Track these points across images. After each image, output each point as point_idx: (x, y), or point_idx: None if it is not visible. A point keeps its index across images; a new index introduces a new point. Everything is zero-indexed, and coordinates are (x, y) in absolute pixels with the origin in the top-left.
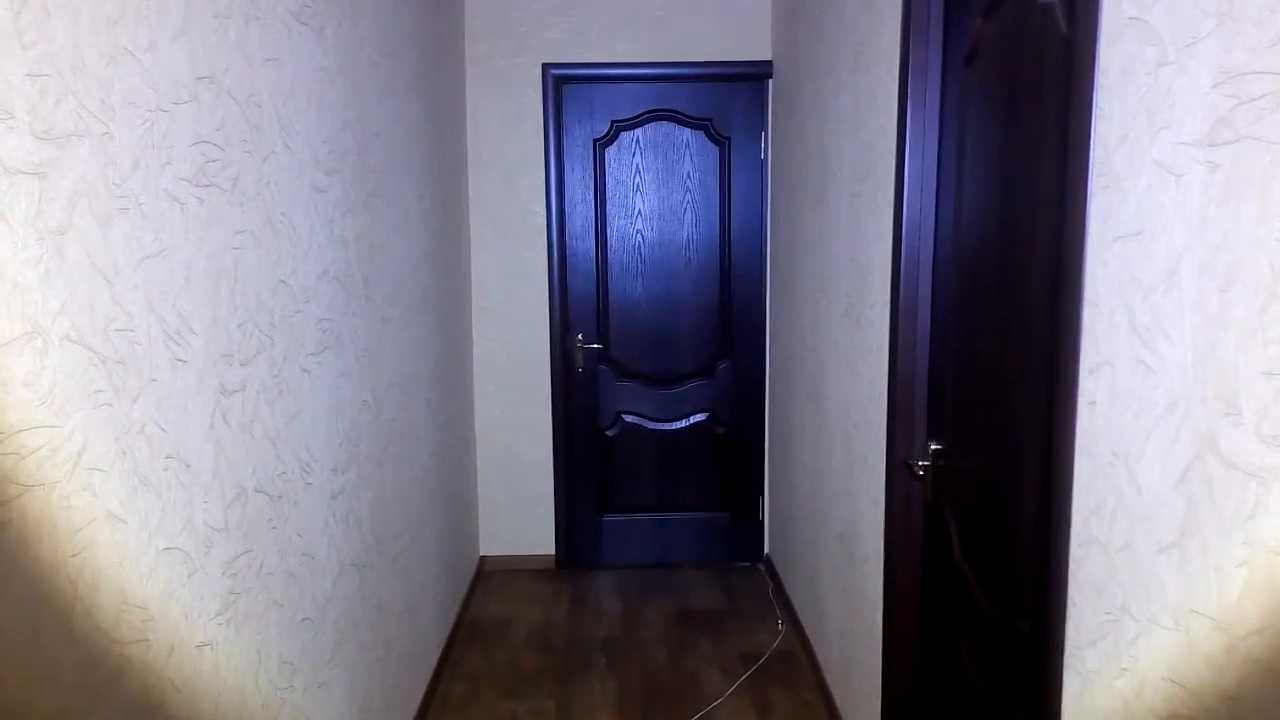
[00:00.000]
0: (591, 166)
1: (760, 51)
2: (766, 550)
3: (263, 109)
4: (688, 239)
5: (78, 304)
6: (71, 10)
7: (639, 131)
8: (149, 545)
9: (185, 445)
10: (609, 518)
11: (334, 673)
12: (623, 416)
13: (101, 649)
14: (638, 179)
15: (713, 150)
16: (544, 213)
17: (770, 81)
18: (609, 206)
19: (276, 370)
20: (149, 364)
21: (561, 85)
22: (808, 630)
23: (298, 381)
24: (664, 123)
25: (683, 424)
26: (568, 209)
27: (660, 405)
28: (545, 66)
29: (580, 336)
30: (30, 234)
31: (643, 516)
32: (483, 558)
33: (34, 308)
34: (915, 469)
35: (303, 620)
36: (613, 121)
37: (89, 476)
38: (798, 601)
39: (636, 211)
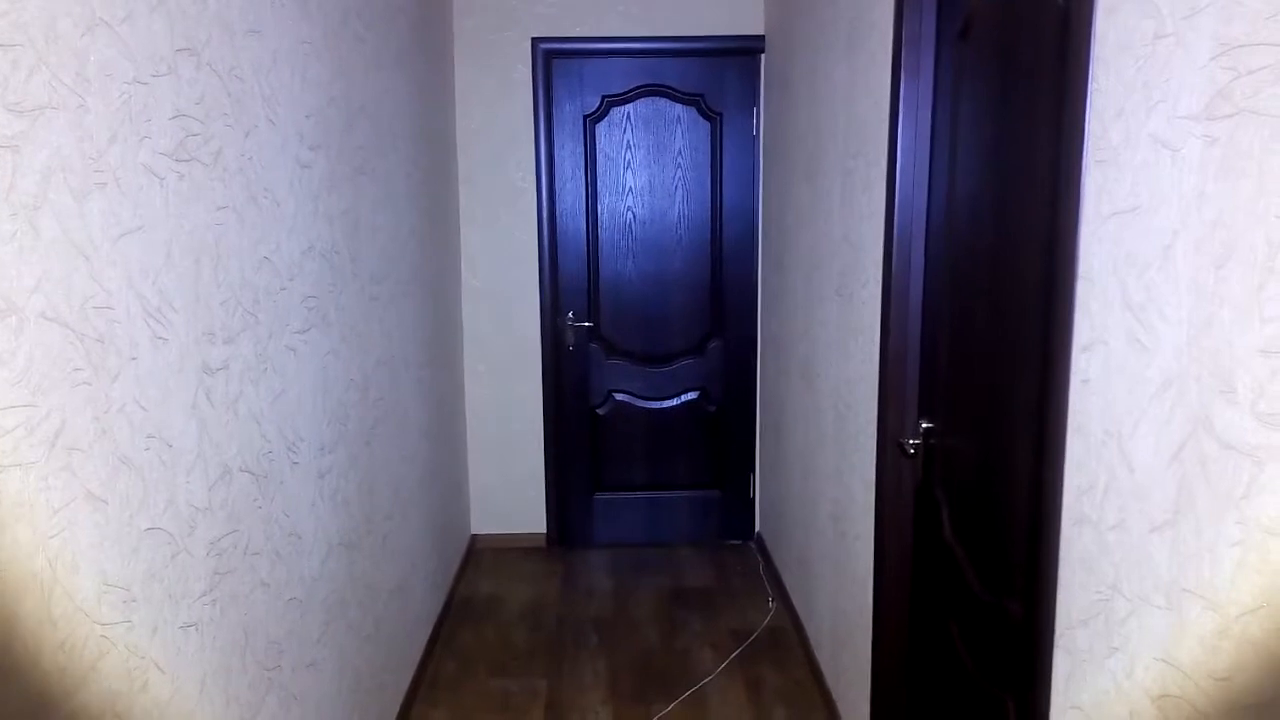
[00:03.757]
0: (582, 142)
1: (753, 25)
2: (757, 528)
3: (245, 82)
4: (679, 216)
5: (54, 281)
6: None
7: (630, 107)
8: (131, 526)
9: (167, 424)
10: (600, 496)
11: (322, 652)
12: (614, 395)
13: (83, 631)
14: (628, 155)
15: (704, 126)
16: (534, 189)
17: (763, 56)
18: (600, 183)
19: (261, 348)
20: (129, 342)
21: (551, 59)
22: (798, 608)
23: (283, 360)
24: (655, 98)
25: (674, 402)
26: (558, 185)
27: (651, 383)
28: (535, 40)
29: (571, 314)
30: (3, 209)
31: (634, 495)
32: (474, 536)
33: (8, 284)
34: (906, 448)
35: (290, 600)
36: (603, 96)
37: (68, 456)
38: (788, 580)
39: (627, 188)
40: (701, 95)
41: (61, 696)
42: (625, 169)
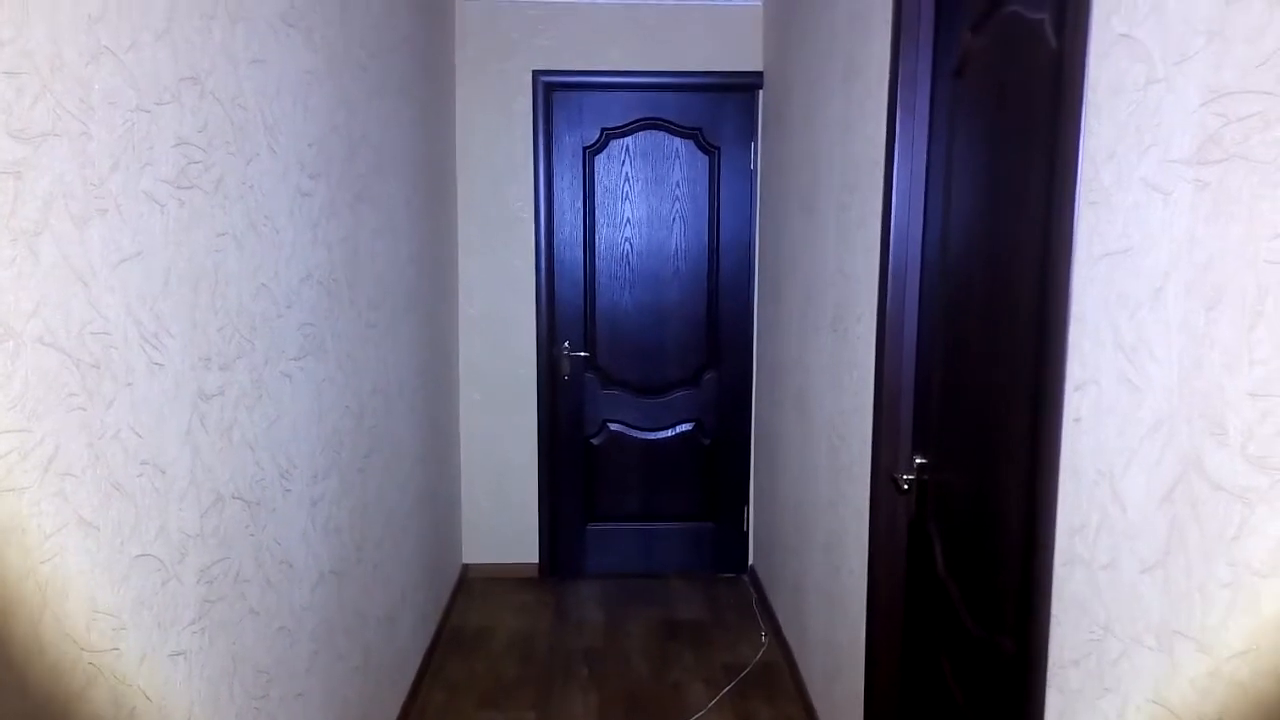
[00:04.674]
0: (581, 174)
1: (751, 62)
2: (750, 561)
3: (247, 111)
4: (676, 248)
5: (51, 306)
6: (50, 6)
7: (629, 140)
8: (122, 552)
9: (161, 451)
10: (593, 527)
11: (310, 682)
12: (608, 425)
13: (71, 657)
14: (627, 187)
15: (702, 160)
16: (532, 219)
17: (760, 92)
18: (598, 214)
19: (257, 375)
20: (124, 368)
21: (552, 92)
22: (791, 642)
23: (278, 387)
24: (654, 131)
25: (668, 433)
26: (556, 216)
27: (646, 414)
28: (536, 73)
29: (567, 344)
30: (4, 234)
31: (627, 526)
32: (465, 565)
33: (6, 309)
34: (900, 482)
35: (279, 629)
36: (603, 129)
37: (61, 482)
38: (781, 613)
39: (625, 220)
40: (700, 129)
41: None
42: (623, 200)
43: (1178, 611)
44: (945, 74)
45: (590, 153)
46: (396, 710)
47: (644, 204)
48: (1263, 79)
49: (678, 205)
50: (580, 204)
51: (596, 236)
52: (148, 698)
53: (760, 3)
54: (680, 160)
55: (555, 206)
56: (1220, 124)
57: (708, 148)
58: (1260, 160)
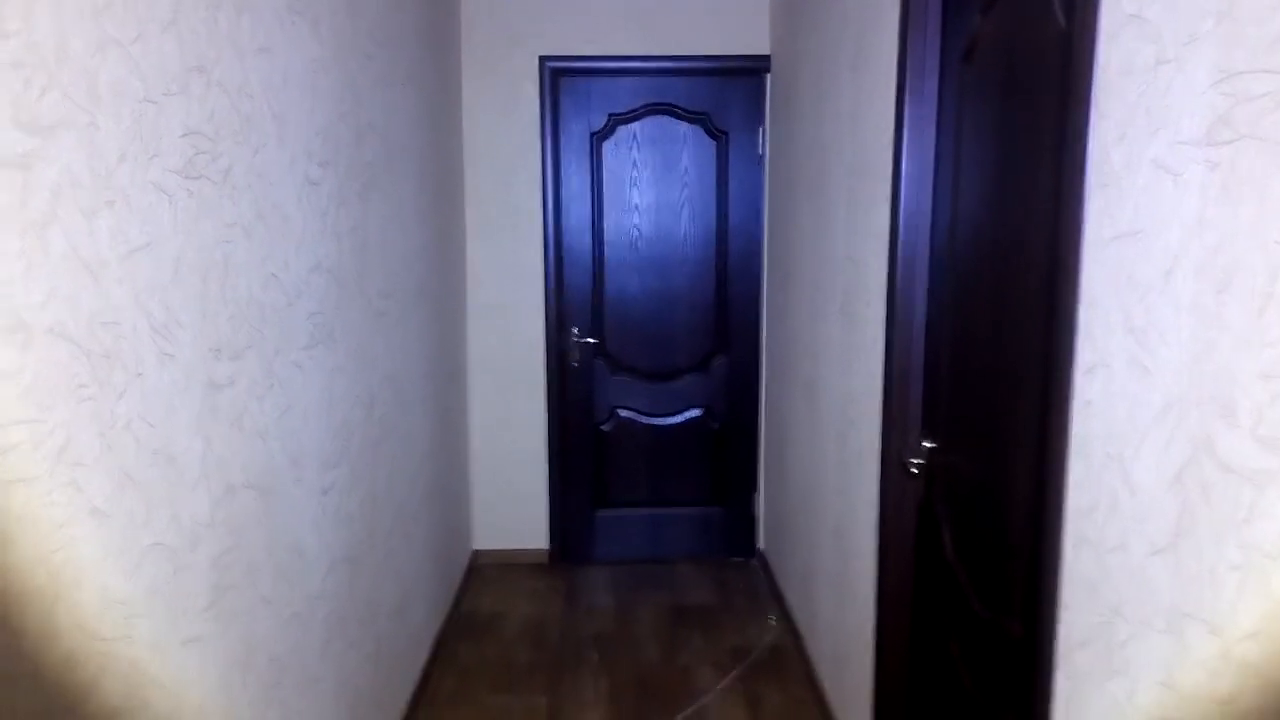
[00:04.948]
0: (588, 160)
1: (759, 46)
2: (760, 545)
3: (254, 100)
4: (684, 234)
5: (61, 297)
6: None
7: (636, 125)
8: (134, 541)
9: (172, 440)
10: (603, 512)
11: (323, 669)
12: (617, 411)
13: (84, 646)
14: (634, 173)
15: (710, 145)
16: (540, 206)
17: (768, 76)
18: (606, 200)
19: (267, 365)
20: (135, 358)
21: (559, 78)
22: (800, 626)
23: (289, 376)
24: (661, 117)
25: (677, 419)
26: (564, 202)
27: (655, 400)
28: (542, 59)
29: (576, 331)
30: (13, 226)
31: (636, 511)
32: (476, 552)
33: (16, 301)
34: (909, 466)
35: (292, 616)
36: (610, 115)
37: (72, 472)
38: (790, 597)
39: (633, 206)
40: (707, 114)
41: (63, 712)
42: (631, 186)
43: (1188, 594)
44: (954, 57)
45: (598, 139)
46: (408, 696)
47: (652, 190)
48: (1273, 59)
49: (686, 191)
50: (588, 190)
51: (605, 223)
52: (161, 685)
53: None
54: (688, 145)
55: (563, 193)
56: (1230, 105)
57: (715, 133)
58: (1271, 141)
